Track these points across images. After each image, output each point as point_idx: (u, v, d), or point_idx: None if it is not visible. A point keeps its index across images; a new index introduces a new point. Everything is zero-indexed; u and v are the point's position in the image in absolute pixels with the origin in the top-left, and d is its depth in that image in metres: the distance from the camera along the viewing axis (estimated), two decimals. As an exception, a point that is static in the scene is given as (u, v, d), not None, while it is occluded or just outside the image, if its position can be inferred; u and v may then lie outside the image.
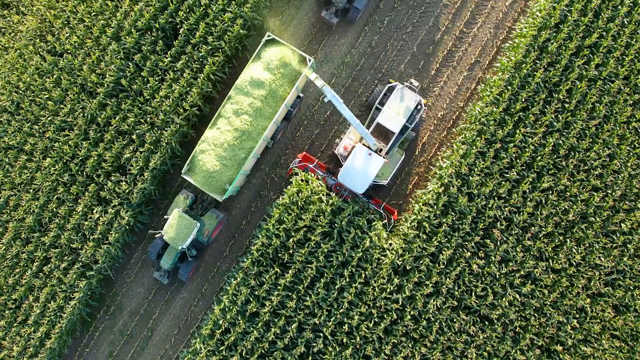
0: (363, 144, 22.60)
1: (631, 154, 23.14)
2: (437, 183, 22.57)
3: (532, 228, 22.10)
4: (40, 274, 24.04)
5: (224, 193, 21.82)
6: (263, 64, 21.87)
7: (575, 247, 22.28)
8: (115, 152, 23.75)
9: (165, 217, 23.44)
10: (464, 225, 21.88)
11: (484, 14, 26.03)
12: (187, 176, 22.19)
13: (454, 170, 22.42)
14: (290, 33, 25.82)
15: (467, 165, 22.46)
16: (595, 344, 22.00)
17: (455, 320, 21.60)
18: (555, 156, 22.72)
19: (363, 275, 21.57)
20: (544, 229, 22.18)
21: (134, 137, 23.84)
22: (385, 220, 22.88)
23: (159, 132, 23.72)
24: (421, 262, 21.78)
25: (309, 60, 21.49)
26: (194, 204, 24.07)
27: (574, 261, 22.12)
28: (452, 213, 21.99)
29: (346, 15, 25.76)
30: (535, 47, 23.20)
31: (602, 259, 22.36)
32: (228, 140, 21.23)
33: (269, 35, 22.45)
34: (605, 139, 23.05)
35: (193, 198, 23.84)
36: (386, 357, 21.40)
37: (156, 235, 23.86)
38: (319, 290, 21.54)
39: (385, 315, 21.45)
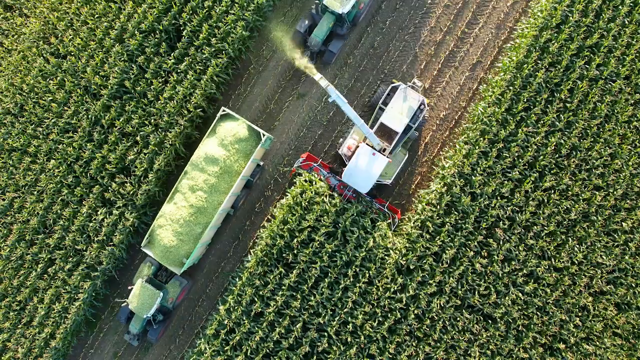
0: (367, 144, 22.73)
1: (632, 153, 23.30)
2: (440, 183, 22.70)
3: (535, 227, 22.25)
4: (45, 275, 24.13)
5: (182, 266, 22.18)
6: (218, 139, 21.99)
7: (577, 246, 22.44)
8: (120, 153, 23.85)
9: (130, 287, 23.62)
10: (466, 225, 22.02)
11: (485, 14, 26.18)
12: (146, 249, 22.53)
13: (456, 170, 22.56)
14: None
15: (469, 165, 22.59)
16: (598, 342, 22.16)
17: (458, 319, 21.74)
18: (557, 155, 22.88)
19: (367, 275, 21.70)
20: (546, 228, 22.33)
21: (138, 138, 23.93)
22: (390, 220, 23.01)
23: (163, 133, 23.83)
24: (425, 261, 21.92)
25: (263, 136, 21.70)
26: (158, 271, 24.25)
27: (576, 260, 22.27)
28: (455, 212, 22.14)
29: (322, 58, 25.66)
30: (537, 48, 23.34)
31: (604, 257, 22.52)
32: (184, 216, 21.58)
33: (223, 110, 22.51)
34: (607, 138, 23.20)
35: (157, 266, 23.95)
36: (390, 356, 21.53)
37: (122, 305, 24.16)
38: (323, 290, 21.66)
39: (389, 315, 21.58)
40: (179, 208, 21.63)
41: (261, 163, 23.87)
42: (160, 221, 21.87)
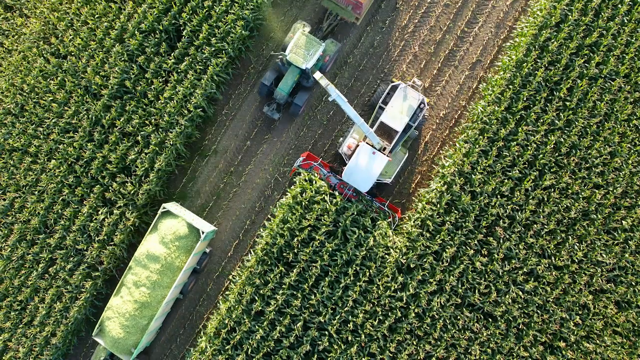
0: (367, 143, 22.78)
1: (632, 151, 23.34)
2: (440, 182, 22.75)
3: (535, 225, 22.29)
4: (46, 275, 24.16)
5: (132, 354, 22.55)
6: (159, 236, 22.41)
7: (577, 244, 22.48)
8: (120, 153, 23.89)
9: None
10: (467, 224, 22.06)
11: (485, 13, 26.22)
12: (97, 338, 22.78)
13: (456, 169, 22.60)
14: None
15: (469, 163, 22.64)
16: (598, 340, 22.21)
17: (459, 317, 21.78)
18: (557, 154, 22.92)
19: (367, 274, 21.74)
20: (546, 226, 22.37)
21: (138, 138, 23.98)
22: (390, 219, 23.06)
23: (164, 133, 23.87)
24: (425, 260, 21.96)
25: (202, 233, 22.16)
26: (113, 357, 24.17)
27: (576, 258, 22.31)
28: (455, 211, 22.18)
29: (288, 110, 25.56)
30: (536, 46, 23.39)
31: (604, 255, 22.57)
32: (129, 310, 22.13)
33: (164, 208, 22.75)
34: (606, 136, 23.25)
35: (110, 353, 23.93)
36: (391, 355, 21.58)
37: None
38: (323, 288, 21.70)
39: (389, 313, 21.62)
40: (124, 302, 22.30)
41: (207, 250, 24.31)
42: (108, 313, 22.50)
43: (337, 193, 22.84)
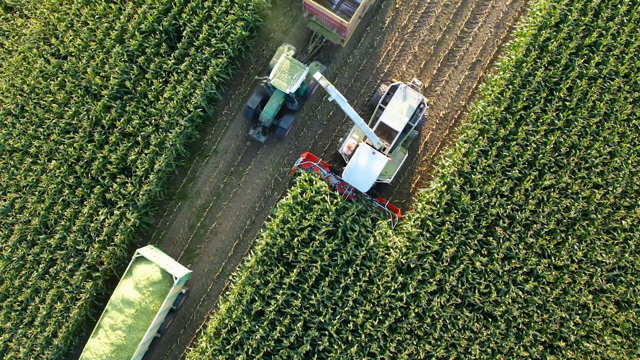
0: (367, 143, 22.80)
1: (632, 151, 23.36)
2: (439, 182, 22.77)
3: (534, 225, 22.31)
4: (46, 275, 24.19)
5: None
6: (133, 282, 22.71)
7: (577, 244, 22.50)
8: (120, 154, 23.92)
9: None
10: (466, 223, 22.08)
11: (484, 13, 26.24)
12: None
13: (456, 169, 22.62)
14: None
15: (469, 163, 22.66)
16: (598, 340, 22.23)
17: (459, 317, 21.81)
18: (556, 154, 22.94)
19: (367, 274, 21.76)
20: (546, 226, 22.39)
21: (139, 139, 24.00)
22: (390, 219, 23.08)
23: (164, 133, 23.90)
24: (425, 260, 21.98)
25: (175, 279, 22.41)
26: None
27: (576, 258, 22.33)
28: (455, 211, 22.20)
29: (274, 133, 25.56)
30: (536, 46, 23.41)
31: (604, 255, 22.58)
32: (106, 352, 22.46)
33: (138, 254, 22.93)
34: (606, 136, 23.27)
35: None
36: (391, 355, 21.61)
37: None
38: (323, 288, 21.73)
39: (389, 313, 21.65)
40: (102, 344, 22.62)
41: (184, 291, 24.49)
42: (86, 354, 22.77)
43: (337, 193, 22.87)
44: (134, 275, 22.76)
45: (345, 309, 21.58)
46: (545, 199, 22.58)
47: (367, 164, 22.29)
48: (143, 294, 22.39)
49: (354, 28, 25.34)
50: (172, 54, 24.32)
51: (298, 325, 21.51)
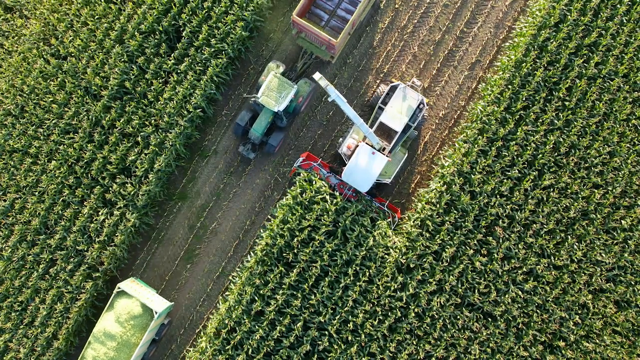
0: (366, 143, 22.83)
1: (631, 151, 23.39)
2: (439, 182, 22.79)
3: (534, 225, 22.33)
4: (46, 276, 24.19)
5: None
6: (115, 315, 22.82)
7: (577, 244, 22.52)
8: (120, 154, 23.94)
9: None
10: (466, 223, 22.11)
11: (484, 13, 26.26)
12: None
13: (456, 169, 22.65)
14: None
15: (469, 163, 22.68)
16: (597, 340, 22.25)
17: (458, 317, 21.83)
18: (556, 154, 22.97)
19: (367, 274, 21.79)
20: (545, 226, 22.42)
21: (138, 139, 24.02)
22: (390, 219, 23.10)
23: (164, 134, 23.92)
24: (424, 260, 22.00)
25: (155, 313, 22.55)
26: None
27: (576, 258, 22.35)
28: (455, 211, 22.22)
29: (263, 149, 25.55)
30: (535, 46, 23.43)
31: (603, 255, 22.61)
32: None
33: (119, 288, 23.00)
34: (606, 136, 23.29)
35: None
36: (391, 355, 21.63)
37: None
38: (323, 288, 21.75)
39: (389, 313, 21.67)
40: None
41: (166, 322, 24.50)
42: None
43: (336, 193, 22.89)
44: (115, 309, 22.93)
45: (345, 309, 21.60)
46: (545, 198, 22.60)
47: (366, 164, 22.31)
48: (124, 328, 22.63)
49: (343, 45, 25.33)
50: (172, 55, 24.34)
51: (298, 325, 21.54)
